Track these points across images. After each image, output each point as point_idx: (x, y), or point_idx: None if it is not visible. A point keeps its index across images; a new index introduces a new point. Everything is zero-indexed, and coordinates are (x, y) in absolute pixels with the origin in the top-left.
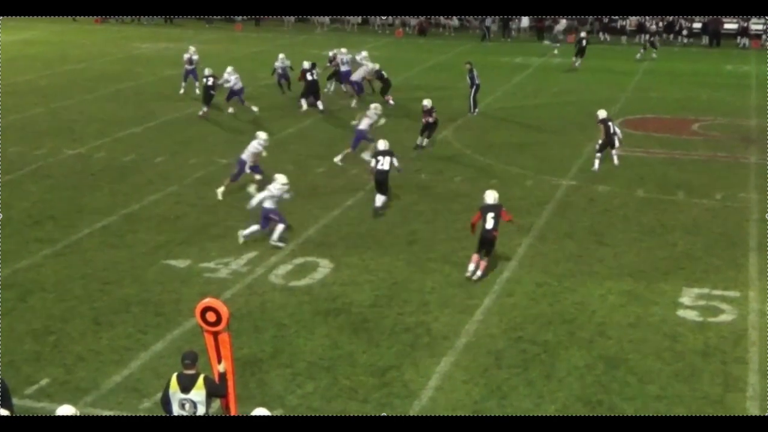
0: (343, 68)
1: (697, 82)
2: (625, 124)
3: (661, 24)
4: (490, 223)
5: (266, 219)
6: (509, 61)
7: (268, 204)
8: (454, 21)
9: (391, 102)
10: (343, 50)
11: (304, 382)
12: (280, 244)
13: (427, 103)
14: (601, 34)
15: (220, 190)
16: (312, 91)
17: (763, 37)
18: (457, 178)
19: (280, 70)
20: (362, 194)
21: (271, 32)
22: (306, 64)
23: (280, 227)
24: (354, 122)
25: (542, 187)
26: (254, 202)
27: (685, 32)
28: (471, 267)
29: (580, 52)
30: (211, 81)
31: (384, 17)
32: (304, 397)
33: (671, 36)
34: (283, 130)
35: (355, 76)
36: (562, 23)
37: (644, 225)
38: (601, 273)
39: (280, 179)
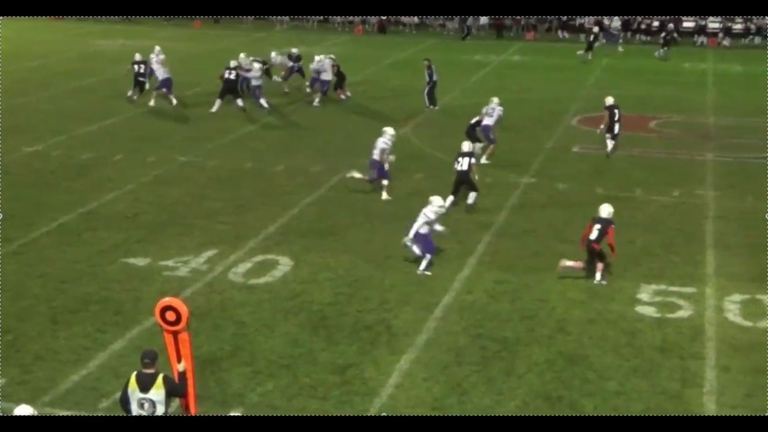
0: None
1: (654, 79)
2: (584, 121)
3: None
4: (594, 234)
5: (427, 243)
6: (468, 58)
7: (424, 230)
8: (414, 19)
9: (344, 96)
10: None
11: (264, 380)
12: (427, 273)
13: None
14: (559, 32)
15: (384, 196)
16: (228, 90)
17: (720, 35)
18: (417, 175)
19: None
20: (322, 191)
21: (230, 30)
22: (232, 63)
23: (427, 257)
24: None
25: (502, 184)
26: (411, 233)
27: (643, 26)
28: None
29: (590, 46)
30: (142, 68)
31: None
32: (264, 395)
33: (629, 34)
34: (241, 128)
35: (326, 76)
36: (615, 20)
37: None
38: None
39: (436, 201)
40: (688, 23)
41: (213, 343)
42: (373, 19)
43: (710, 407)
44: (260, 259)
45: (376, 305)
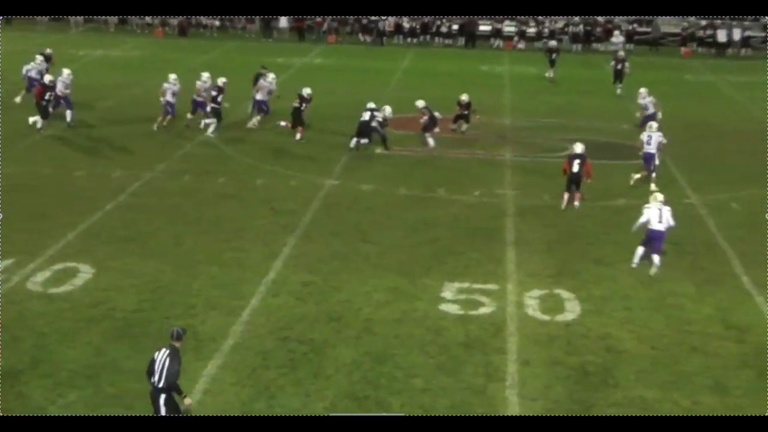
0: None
1: (454, 82)
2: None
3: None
4: (576, 167)
5: None
6: (270, 61)
7: None
8: (215, 21)
9: (283, 123)
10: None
11: (66, 391)
12: None
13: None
14: (360, 35)
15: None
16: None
17: (515, 38)
18: (221, 179)
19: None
20: (124, 197)
21: (24, 31)
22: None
23: None
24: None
25: (306, 186)
26: None
27: (444, 30)
28: (564, 202)
29: (551, 63)
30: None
31: (143, 16)
32: (66, 407)
33: (428, 37)
34: (39, 133)
35: (260, 95)
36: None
37: (407, 222)
38: (366, 271)
39: None
40: (485, 26)
41: (11, 355)
42: (174, 21)
43: (513, 400)
44: (60, 267)
45: (182, 311)
